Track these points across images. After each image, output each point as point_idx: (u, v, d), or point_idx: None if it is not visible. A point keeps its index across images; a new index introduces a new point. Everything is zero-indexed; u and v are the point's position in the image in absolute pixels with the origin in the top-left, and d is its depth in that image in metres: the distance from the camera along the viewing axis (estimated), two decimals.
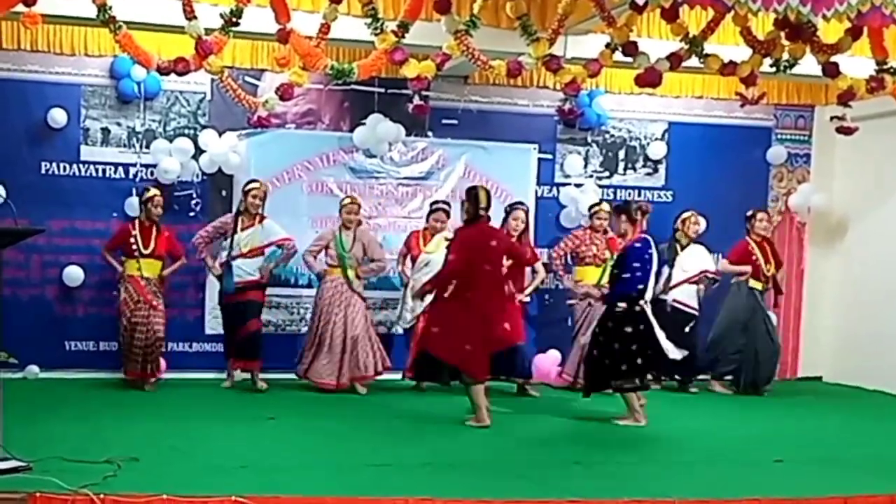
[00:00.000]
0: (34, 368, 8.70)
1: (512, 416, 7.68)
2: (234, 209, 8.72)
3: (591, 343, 7.62)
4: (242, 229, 8.52)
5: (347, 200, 8.75)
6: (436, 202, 9.10)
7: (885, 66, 7.21)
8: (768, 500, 5.55)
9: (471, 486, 5.71)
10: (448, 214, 8.86)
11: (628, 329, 7.36)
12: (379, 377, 8.72)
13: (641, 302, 7.37)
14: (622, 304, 7.38)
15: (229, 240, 8.53)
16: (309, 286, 9.29)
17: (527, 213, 8.92)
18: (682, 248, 9.38)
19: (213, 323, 9.09)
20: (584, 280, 9.10)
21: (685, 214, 9.45)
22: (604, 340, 7.45)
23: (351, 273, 8.61)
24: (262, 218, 8.59)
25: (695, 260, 9.36)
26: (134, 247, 8.34)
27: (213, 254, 8.72)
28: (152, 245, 8.38)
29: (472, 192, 7.37)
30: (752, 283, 9.40)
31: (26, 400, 7.49)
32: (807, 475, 6.34)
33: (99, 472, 5.35)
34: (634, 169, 10.26)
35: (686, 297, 9.28)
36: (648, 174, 10.28)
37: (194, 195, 9.10)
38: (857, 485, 6.08)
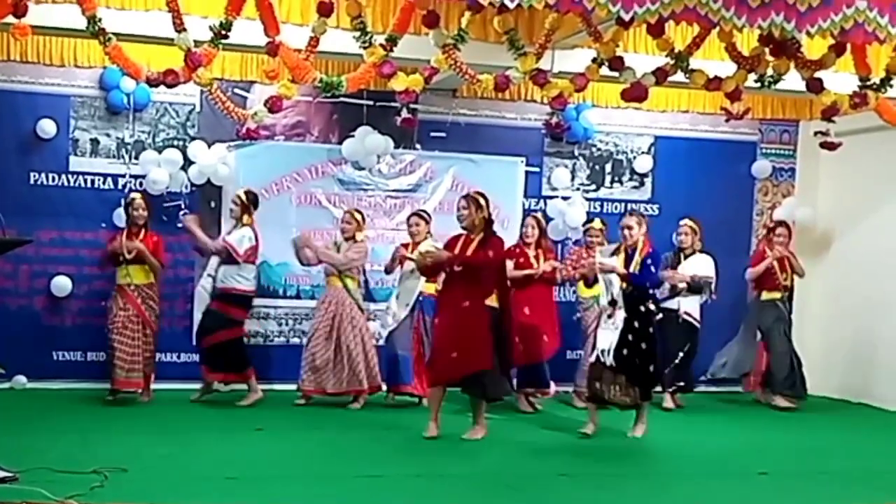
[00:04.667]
0: (22, 378, 8.68)
1: (502, 427, 7.69)
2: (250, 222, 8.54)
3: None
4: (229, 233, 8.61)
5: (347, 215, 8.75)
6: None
7: (868, 83, 7.26)
8: None
9: (460, 497, 5.76)
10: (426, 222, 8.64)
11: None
12: (372, 394, 8.63)
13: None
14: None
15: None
16: (298, 297, 9.33)
17: (538, 220, 8.97)
18: (686, 257, 9.31)
19: None
20: (582, 295, 8.96)
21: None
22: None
23: (350, 282, 8.56)
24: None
25: (688, 267, 9.28)
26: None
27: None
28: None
29: None
30: (767, 294, 9.50)
31: (13, 410, 7.51)
32: (791, 488, 6.38)
33: (86, 483, 5.37)
34: (621, 182, 10.32)
35: (691, 307, 9.25)
36: (635, 187, 10.34)
37: (183, 206, 9.09)
38: (841, 498, 6.14)
